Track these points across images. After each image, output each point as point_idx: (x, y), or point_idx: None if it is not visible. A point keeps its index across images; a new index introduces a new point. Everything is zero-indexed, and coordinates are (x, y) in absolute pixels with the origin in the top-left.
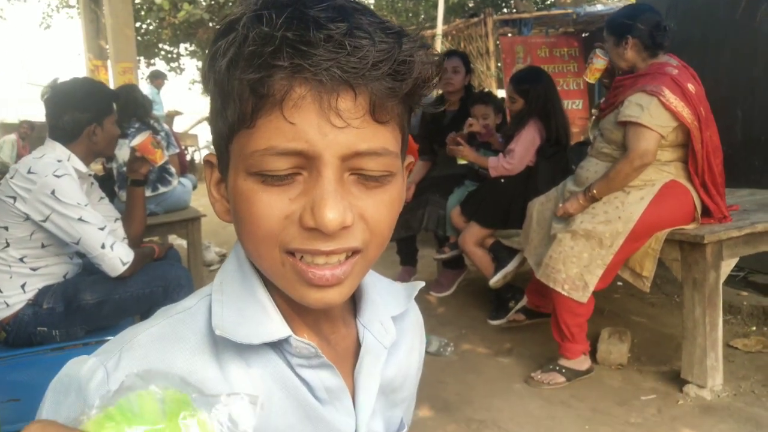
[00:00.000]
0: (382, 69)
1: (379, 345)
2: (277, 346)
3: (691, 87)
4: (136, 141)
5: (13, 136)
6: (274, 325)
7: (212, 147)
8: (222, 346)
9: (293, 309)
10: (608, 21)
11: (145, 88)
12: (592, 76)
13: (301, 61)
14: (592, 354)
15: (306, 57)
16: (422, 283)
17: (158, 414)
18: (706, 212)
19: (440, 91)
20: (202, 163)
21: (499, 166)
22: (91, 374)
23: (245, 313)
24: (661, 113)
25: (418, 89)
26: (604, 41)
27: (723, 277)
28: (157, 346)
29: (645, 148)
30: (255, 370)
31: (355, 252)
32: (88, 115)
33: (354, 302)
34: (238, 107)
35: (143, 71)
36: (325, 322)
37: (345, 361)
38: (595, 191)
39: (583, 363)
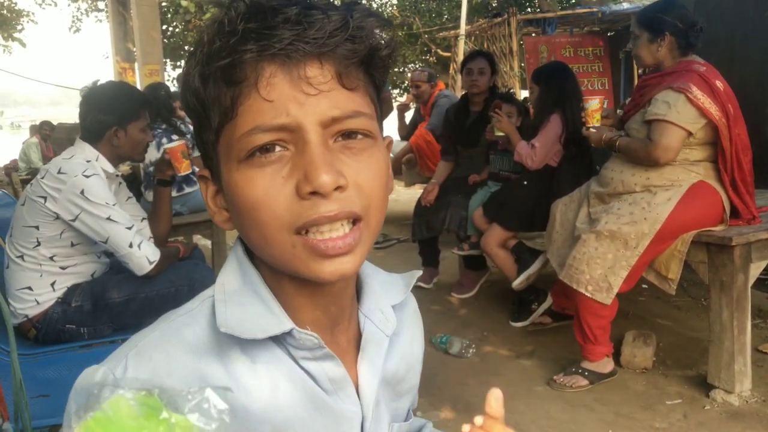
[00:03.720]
0: (339, 36)
1: (381, 333)
2: (281, 341)
3: (719, 84)
4: (171, 145)
5: (35, 139)
6: (276, 319)
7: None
8: (226, 344)
9: (298, 304)
10: (642, 15)
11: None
12: (593, 120)
13: (266, 42)
14: (616, 357)
15: (270, 38)
16: (419, 272)
17: (136, 417)
18: (735, 214)
19: (464, 91)
20: None
21: (524, 155)
22: (102, 382)
23: (248, 309)
24: (689, 110)
25: (376, 53)
26: (632, 36)
27: (752, 280)
28: (161, 349)
29: (666, 143)
30: (260, 365)
31: (356, 219)
32: (111, 118)
33: (356, 294)
34: (218, 106)
35: (169, 73)
36: (335, 314)
37: (348, 351)
38: (618, 143)
39: (606, 365)
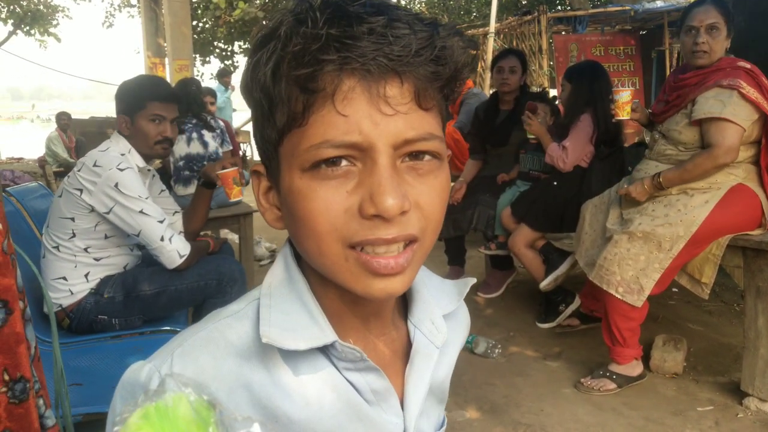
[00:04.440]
0: (425, 55)
1: (431, 344)
2: (324, 350)
3: (765, 80)
4: (223, 171)
5: (54, 132)
6: (320, 330)
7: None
8: (270, 350)
9: (341, 313)
10: (724, 7)
11: (214, 87)
12: (624, 113)
13: (348, 54)
14: (645, 362)
15: (352, 49)
16: (473, 280)
17: (191, 422)
18: None
19: (494, 89)
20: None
21: (556, 157)
22: (148, 380)
23: (292, 317)
24: (743, 106)
25: (457, 74)
26: (708, 28)
27: None
28: (206, 349)
29: (730, 143)
30: (303, 375)
31: (413, 240)
32: (120, 106)
33: (405, 302)
34: (287, 108)
35: (198, 68)
36: (374, 325)
37: (395, 362)
38: (661, 179)
39: (634, 368)
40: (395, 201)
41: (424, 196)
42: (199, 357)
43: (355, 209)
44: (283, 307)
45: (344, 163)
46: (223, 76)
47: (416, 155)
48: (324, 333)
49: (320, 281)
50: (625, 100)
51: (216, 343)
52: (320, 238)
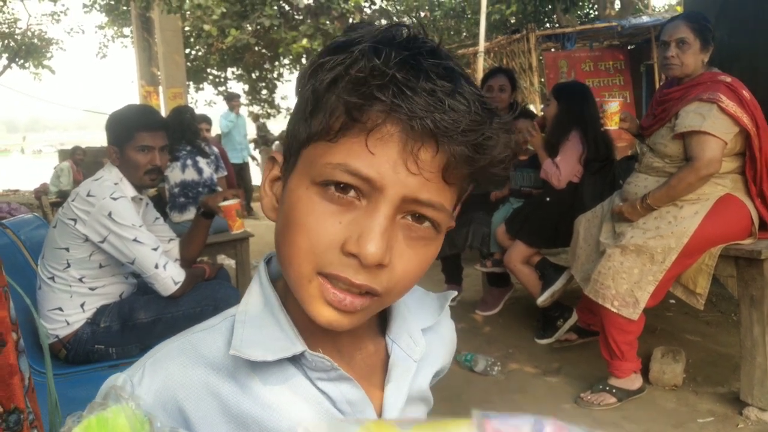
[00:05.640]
0: (469, 137)
1: (408, 358)
2: (296, 362)
3: (746, 93)
4: (226, 203)
5: (67, 163)
6: (289, 341)
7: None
8: (241, 362)
9: (314, 326)
10: (696, 23)
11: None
12: (612, 123)
13: (401, 102)
14: (645, 374)
15: (407, 101)
16: (454, 293)
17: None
18: (764, 226)
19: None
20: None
21: (551, 174)
22: (121, 388)
23: (264, 331)
24: (723, 120)
25: (490, 167)
26: (678, 42)
27: None
28: (177, 360)
29: (711, 156)
30: (274, 385)
31: (374, 294)
32: (110, 137)
33: (383, 316)
34: (326, 120)
35: (192, 95)
36: (346, 339)
37: (373, 375)
38: (649, 201)
39: (634, 382)
40: (377, 251)
41: (405, 262)
42: (169, 366)
43: (339, 243)
44: (255, 323)
45: (352, 193)
46: (231, 99)
47: (418, 217)
48: (293, 344)
49: (293, 297)
50: (613, 110)
51: (187, 354)
52: (297, 253)
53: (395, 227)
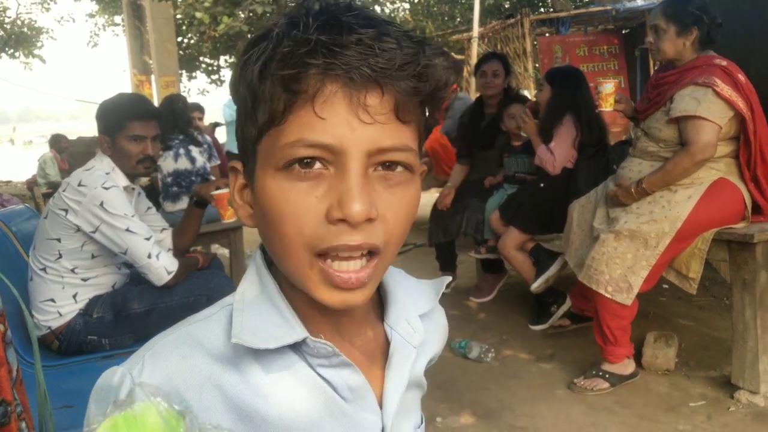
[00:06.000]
0: (408, 71)
1: (408, 344)
2: (297, 348)
3: (741, 77)
4: (219, 192)
5: (50, 154)
6: (290, 328)
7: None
8: (242, 351)
9: (313, 312)
10: (670, 8)
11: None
12: (607, 104)
13: (333, 60)
14: (638, 359)
15: (339, 57)
16: (449, 278)
17: (160, 430)
18: (756, 210)
19: (479, 93)
20: None
21: (545, 160)
22: (120, 383)
23: (263, 318)
24: (718, 103)
25: (438, 92)
26: (654, 29)
27: None
28: (177, 351)
29: (706, 140)
30: (276, 373)
31: (374, 253)
32: (101, 126)
33: (380, 303)
34: (269, 107)
35: (184, 84)
36: (347, 324)
37: (373, 361)
38: (645, 185)
39: (627, 367)
40: (362, 207)
41: (392, 209)
42: (169, 357)
43: (323, 215)
44: (254, 310)
45: (317, 165)
46: None
47: (389, 165)
48: (294, 330)
49: (290, 283)
50: (608, 91)
51: (186, 345)
52: (287, 242)
53: (370, 181)
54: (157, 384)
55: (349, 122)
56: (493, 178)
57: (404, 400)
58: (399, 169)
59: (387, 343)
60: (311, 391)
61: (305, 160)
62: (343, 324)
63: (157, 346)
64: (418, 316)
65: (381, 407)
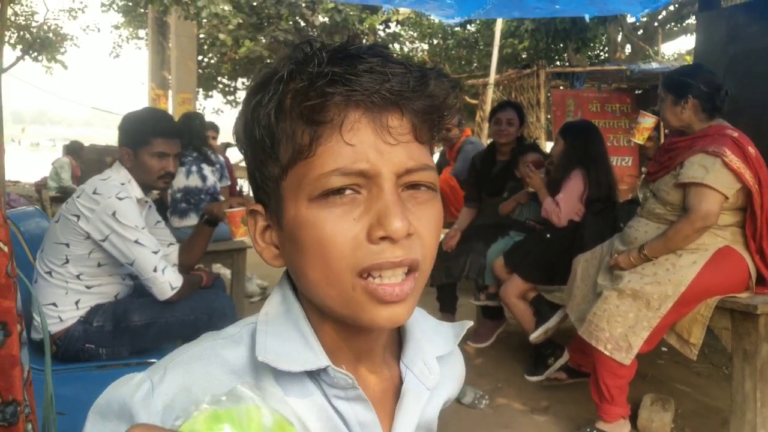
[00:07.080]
0: (421, 90)
1: (421, 385)
2: (315, 377)
3: (751, 150)
4: (231, 210)
5: (66, 159)
6: (314, 355)
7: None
8: (262, 372)
9: (338, 343)
10: (667, 78)
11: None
12: (640, 137)
13: (353, 87)
14: (633, 420)
15: (356, 84)
16: (470, 323)
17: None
18: (761, 281)
19: (491, 140)
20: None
21: (551, 212)
22: (137, 387)
23: (288, 343)
24: (725, 174)
25: (447, 111)
26: (659, 98)
27: None
28: (200, 364)
29: (707, 209)
30: (292, 398)
31: (413, 268)
32: (123, 139)
33: (398, 342)
34: (293, 142)
35: (200, 102)
36: (365, 362)
37: (386, 400)
38: (646, 251)
39: (622, 428)
40: (402, 223)
41: (424, 225)
42: (192, 369)
43: (362, 236)
44: (279, 333)
45: (348, 192)
46: None
47: (414, 186)
48: (318, 358)
49: (318, 315)
50: (647, 125)
51: (210, 359)
52: (329, 267)
53: (402, 200)
54: (175, 393)
55: (376, 146)
56: (511, 202)
57: None
58: (423, 188)
59: (401, 382)
60: (322, 421)
61: (338, 189)
62: (364, 358)
63: (180, 357)
64: (436, 358)
65: None
